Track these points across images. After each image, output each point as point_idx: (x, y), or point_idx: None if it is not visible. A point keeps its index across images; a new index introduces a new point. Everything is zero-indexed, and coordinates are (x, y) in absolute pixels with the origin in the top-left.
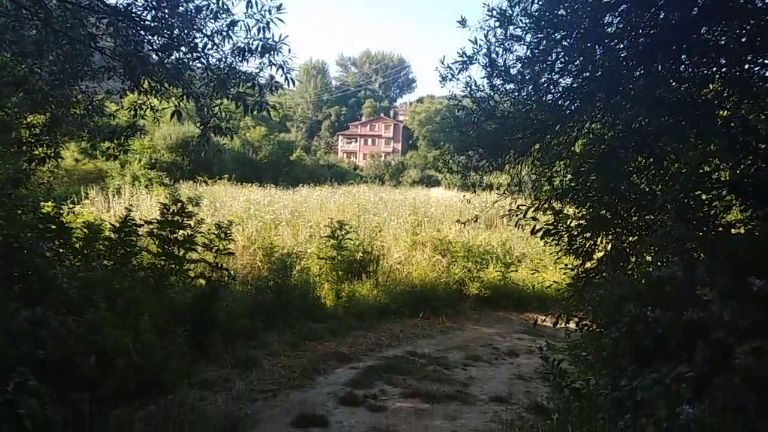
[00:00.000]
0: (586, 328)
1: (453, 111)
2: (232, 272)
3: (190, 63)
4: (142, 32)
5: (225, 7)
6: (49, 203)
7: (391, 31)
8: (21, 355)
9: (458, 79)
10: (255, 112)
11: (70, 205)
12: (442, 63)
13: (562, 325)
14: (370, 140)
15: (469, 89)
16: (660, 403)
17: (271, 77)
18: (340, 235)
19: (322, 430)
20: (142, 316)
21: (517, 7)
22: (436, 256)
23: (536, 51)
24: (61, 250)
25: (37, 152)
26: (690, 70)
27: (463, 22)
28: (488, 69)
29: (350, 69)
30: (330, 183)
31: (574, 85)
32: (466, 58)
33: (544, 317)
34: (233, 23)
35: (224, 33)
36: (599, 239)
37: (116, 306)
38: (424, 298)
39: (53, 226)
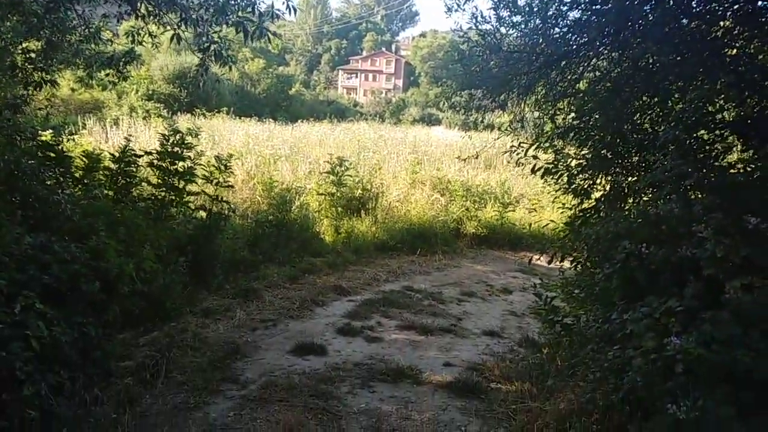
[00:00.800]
0: (580, 266)
1: (457, 45)
2: (232, 205)
3: None
4: None
5: None
6: (47, 132)
7: None
8: (27, 279)
9: (464, 10)
10: (254, 40)
11: (68, 135)
12: None
13: (557, 264)
14: (370, 76)
15: (474, 21)
16: (648, 335)
17: (272, 5)
18: (340, 171)
19: (320, 358)
20: (144, 244)
21: None
22: (434, 194)
23: None
24: (61, 179)
25: (33, 78)
26: (702, 5)
27: None
28: None
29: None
30: (329, 119)
31: (583, 18)
32: None
33: (539, 256)
34: None
35: None
36: (599, 179)
37: (118, 234)
38: (421, 236)
39: (52, 155)
